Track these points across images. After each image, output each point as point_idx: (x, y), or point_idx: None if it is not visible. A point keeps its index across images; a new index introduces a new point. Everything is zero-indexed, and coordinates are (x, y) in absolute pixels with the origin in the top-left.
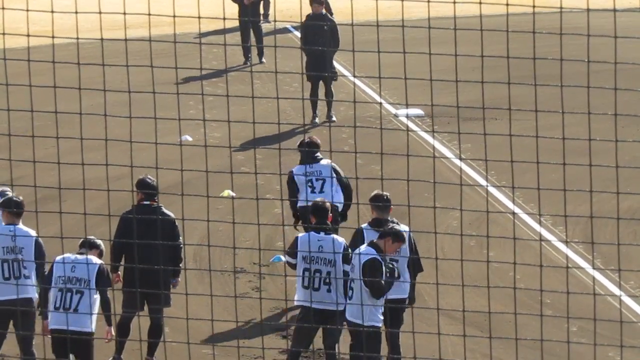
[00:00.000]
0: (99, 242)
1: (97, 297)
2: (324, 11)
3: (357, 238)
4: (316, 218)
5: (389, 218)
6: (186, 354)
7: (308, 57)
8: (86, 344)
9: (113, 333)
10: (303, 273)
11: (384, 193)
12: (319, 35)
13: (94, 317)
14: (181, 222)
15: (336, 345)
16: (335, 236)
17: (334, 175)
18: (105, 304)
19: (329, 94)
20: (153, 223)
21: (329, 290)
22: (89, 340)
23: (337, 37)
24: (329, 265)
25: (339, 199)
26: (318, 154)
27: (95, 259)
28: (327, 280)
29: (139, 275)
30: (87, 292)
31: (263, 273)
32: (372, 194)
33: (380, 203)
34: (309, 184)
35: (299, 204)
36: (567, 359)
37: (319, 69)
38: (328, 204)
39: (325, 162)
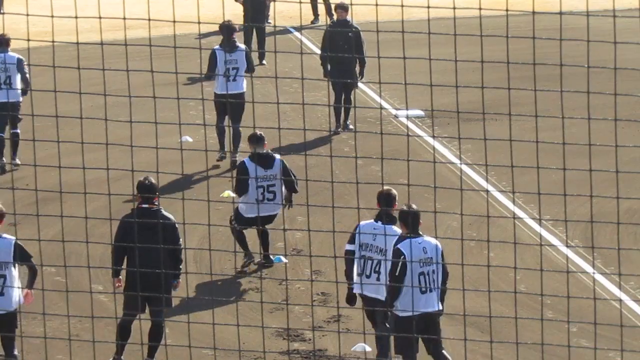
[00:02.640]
0: None
1: (16, 271)
2: (349, 17)
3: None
4: (381, 205)
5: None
6: (187, 355)
7: (332, 64)
8: (13, 320)
9: (33, 294)
10: (359, 260)
11: (258, 132)
12: (344, 42)
13: (17, 291)
14: (181, 222)
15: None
16: (392, 226)
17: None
18: (34, 274)
19: (347, 101)
20: (153, 226)
21: (378, 279)
22: (15, 315)
23: (361, 46)
24: (381, 254)
25: (243, 87)
26: (235, 39)
27: (6, 235)
28: (378, 269)
29: (140, 277)
30: (8, 273)
31: (264, 276)
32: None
33: (254, 139)
34: (226, 73)
35: (215, 90)
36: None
37: (342, 77)
38: (394, 193)
39: (242, 47)
